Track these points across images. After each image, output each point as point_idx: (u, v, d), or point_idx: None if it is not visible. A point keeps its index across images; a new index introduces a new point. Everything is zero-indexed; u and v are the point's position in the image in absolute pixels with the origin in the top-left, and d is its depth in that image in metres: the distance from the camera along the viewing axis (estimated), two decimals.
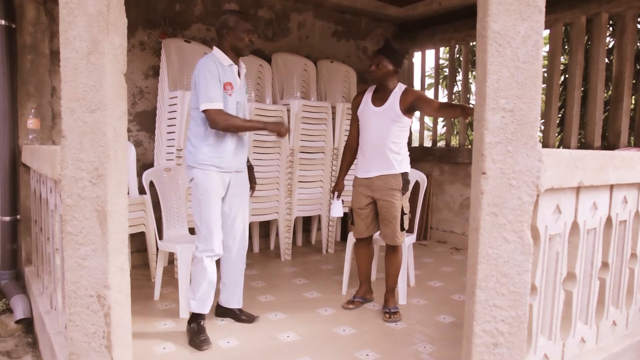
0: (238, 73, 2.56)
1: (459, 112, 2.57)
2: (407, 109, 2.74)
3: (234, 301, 2.78)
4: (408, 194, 2.88)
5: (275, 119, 2.47)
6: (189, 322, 2.55)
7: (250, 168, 2.82)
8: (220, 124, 2.37)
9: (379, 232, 2.96)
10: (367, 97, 2.87)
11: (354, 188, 2.96)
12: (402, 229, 2.83)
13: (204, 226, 2.49)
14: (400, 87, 2.80)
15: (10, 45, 3.31)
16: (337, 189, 3.04)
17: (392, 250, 2.92)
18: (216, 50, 2.51)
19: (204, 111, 2.37)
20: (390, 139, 2.75)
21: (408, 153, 2.88)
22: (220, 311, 2.81)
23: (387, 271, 2.97)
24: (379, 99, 2.81)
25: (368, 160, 2.83)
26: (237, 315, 2.78)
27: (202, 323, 2.51)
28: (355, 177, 2.96)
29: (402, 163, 2.81)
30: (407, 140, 2.86)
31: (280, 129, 2.52)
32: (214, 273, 2.54)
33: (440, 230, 5.14)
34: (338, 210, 3.02)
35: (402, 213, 2.82)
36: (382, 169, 2.79)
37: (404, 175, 2.82)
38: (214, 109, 2.36)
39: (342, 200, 3.06)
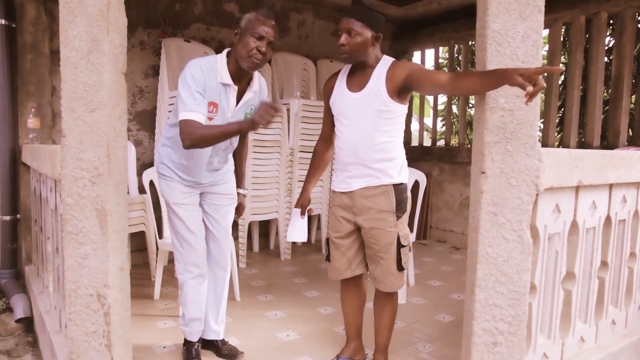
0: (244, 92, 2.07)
1: (496, 80, 1.47)
2: (399, 91, 1.90)
3: (210, 332, 2.35)
4: (406, 217, 2.05)
5: (248, 118, 1.95)
6: (184, 343, 2.31)
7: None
8: (185, 142, 1.89)
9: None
10: (342, 79, 2.06)
11: (330, 208, 2.17)
12: (401, 268, 2.02)
13: (176, 240, 2.16)
14: (385, 61, 1.97)
15: (11, 44, 3.31)
16: (300, 203, 2.18)
17: (385, 296, 2.13)
18: (221, 60, 2.00)
19: (180, 121, 1.92)
20: (376, 136, 1.94)
21: (405, 156, 2.06)
22: (201, 342, 2.35)
23: (377, 323, 2.19)
24: (357, 81, 2.00)
25: (346, 167, 2.02)
26: (219, 349, 2.34)
27: (195, 347, 2.26)
28: (332, 191, 2.15)
29: (394, 170, 1.99)
30: (401, 137, 2.03)
31: (258, 119, 1.81)
32: (198, 301, 2.22)
33: (439, 230, 5.14)
34: (298, 231, 2.12)
35: (400, 245, 2.00)
36: (366, 178, 1.98)
37: (399, 189, 1.99)
38: (187, 119, 1.89)
39: (309, 217, 2.17)
